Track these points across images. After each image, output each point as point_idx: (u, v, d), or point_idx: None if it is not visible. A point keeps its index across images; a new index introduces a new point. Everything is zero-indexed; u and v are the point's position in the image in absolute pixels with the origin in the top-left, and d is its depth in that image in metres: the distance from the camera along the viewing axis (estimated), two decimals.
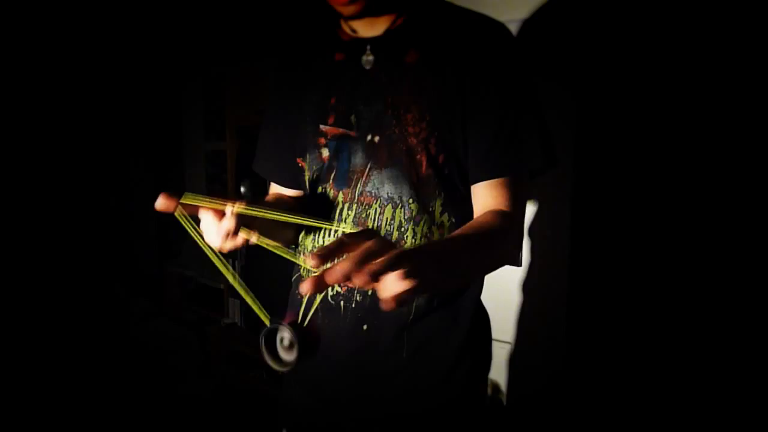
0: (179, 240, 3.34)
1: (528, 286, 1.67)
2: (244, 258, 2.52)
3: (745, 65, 1.32)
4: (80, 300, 2.97)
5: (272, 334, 0.64)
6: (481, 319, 0.96)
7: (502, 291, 1.64)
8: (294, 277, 0.99)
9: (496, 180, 0.84)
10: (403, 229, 0.85)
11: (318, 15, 0.95)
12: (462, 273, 0.76)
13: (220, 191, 3.17)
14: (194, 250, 3.22)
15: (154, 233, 3.46)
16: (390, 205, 0.85)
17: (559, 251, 1.62)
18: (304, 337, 0.61)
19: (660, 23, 1.42)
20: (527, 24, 1.56)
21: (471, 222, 0.83)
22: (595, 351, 1.61)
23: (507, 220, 0.82)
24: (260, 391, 2.35)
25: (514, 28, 0.95)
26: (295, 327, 0.61)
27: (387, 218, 0.86)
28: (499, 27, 0.86)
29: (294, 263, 0.99)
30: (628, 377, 1.54)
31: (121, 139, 3.24)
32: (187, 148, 3.47)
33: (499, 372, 1.72)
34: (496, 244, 0.80)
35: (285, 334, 0.63)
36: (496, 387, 1.74)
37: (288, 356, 0.63)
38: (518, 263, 0.88)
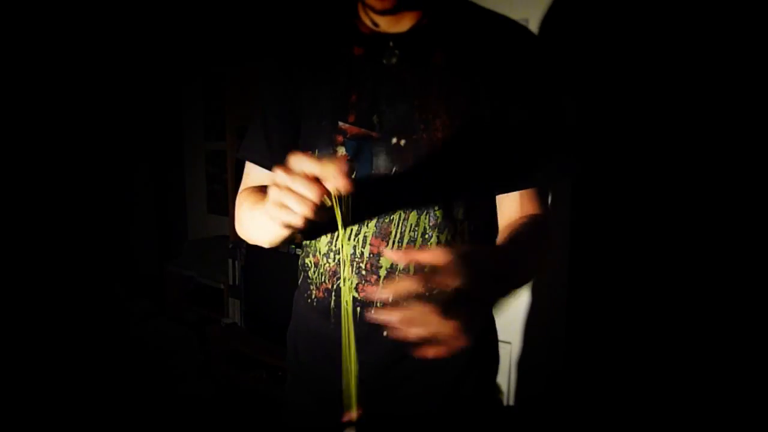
0: (179, 240, 3.34)
1: (528, 287, 1.67)
2: (244, 258, 2.52)
3: (745, 67, 1.32)
4: (80, 300, 2.97)
5: None
6: (490, 323, 0.97)
7: None
8: (300, 279, 0.98)
9: (526, 190, 0.84)
10: (427, 236, 0.83)
11: (333, 4, 0.91)
12: (514, 282, 0.76)
13: (220, 191, 3.18)
14: (194, 250, 3.19)
15: (154, 233, 3.46)
16: (415, 211, 0.83)
17: (559, 251, 1.62)
18: None
19: (660, 26, 1.42)
20: (527, 24, 1.56)
21: (515, 227, 0.82)
22: (594, 351, 1.60)
23: (545, 225, 0.84)
24: (260, 391, 2.35)
25: None
26: None
27: (411, 224, 0.83)
28: (525, 30, 0.84)
29: (296, 267, 0.98)
30: (627, 377, 1.54)
31: (121, 139, 3.24)
32: (187, 148, 3.47)
33: (499, 372, 1.72)
34: (542, 250, 0.81)
35: None
36: (496, 387, 1.74)
37: None
38: None
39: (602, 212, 1.57)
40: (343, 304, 0.80)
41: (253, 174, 0.97)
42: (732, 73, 1.33)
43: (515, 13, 1.54)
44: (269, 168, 0.93)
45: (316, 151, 0.86)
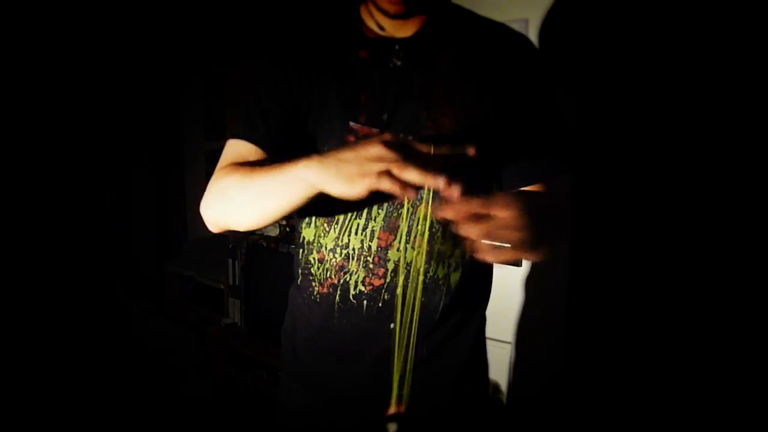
0: (179, 240, 3.34)
1: (528, 286, 1.67)
2: (244, 258, 2.52)
3: (745, 65, 1.32)
4: (80, 300, 2.97)
5: None
6: (483, 321, 0.99)
7: (503, 291, 1.64)
8: (299, 278, 0.98)
9: (532, 186, 0.87)
10: (434, 230, 0.86)
11: (337, 10, 0.94)
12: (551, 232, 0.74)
13: None
14: (194, 250, 3.18)
15: (154, 233, 3.46)
16: (423, 205, 0.85)
17: (559, 251, 1.62)
18: None
19: (660, 24, 1.42)
20: (527, 24, 1.56)
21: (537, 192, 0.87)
22: (594, 351, 1.61)
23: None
24: (260, 391, 2.35)
25: (515, 28, 0.96)
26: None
27: (419, 218, 0.85)
28: (524, 38, 0.90)
29: (296, 263, 0.98)
30: (627, 377, 1.54)
31: (121, 139, 3.24)
32: (187, 148, 3.47)
33: (499, 372, 1.72)
34: (559, 214, 0.84)
35: None
36: (496, 387, 1.74)
37: None
38: (518, 263, 0.89)
39: (603, 212, 1.57)
40: (398, 294, 0.82)
41: (242, 152, 0.92)
42: (732, 72, 1.33)
43: (515, 13, 1.54)
44: (265, 148, 0.89)
45: (325, 147, 0.87)
